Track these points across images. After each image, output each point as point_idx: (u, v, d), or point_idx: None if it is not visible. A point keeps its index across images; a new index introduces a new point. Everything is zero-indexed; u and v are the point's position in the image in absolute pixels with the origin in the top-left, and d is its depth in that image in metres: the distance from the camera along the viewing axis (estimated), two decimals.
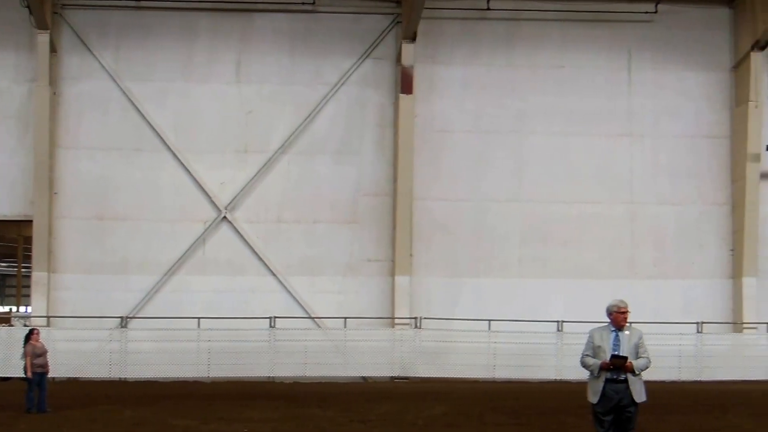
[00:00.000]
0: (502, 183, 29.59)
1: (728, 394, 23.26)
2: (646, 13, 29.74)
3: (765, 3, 28.57)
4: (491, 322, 27.85)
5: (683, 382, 27.47)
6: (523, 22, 29.70)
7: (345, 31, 29.21)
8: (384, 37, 29.33)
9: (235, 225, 28.59)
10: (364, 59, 29.22)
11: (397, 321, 28.08)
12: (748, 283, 29.33)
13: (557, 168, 29.69)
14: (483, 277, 29.12)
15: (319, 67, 29.10)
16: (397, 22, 29.03)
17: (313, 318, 28.21)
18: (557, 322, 27.99)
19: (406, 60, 28.48)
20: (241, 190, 28.70)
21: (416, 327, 27.71)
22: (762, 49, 29.20)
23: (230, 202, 28.62)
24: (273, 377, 26.92)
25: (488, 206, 29.43)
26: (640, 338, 10.97)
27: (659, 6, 29.68)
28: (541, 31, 29.74)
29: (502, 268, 29.32)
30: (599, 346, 10.90)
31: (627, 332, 10.95)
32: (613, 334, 10.94)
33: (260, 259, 28.49)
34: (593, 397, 10.89)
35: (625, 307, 10.96)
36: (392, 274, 28.55)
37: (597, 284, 28.58)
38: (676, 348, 27.73)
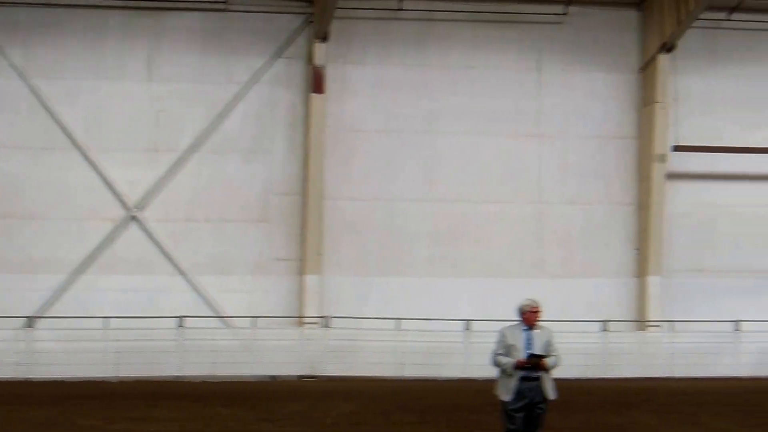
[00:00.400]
0: (412, 183, 31.57)
1: (632, 391, 25.25)
2: (556, 14, 31.90)
3: (672, 6, 30.86)
4: (400, 320, 29.74)
5: (589, 380, 29.37)
6: (435, 22, 31.65)
7: (257, 31, 30.84)
8: (296, 37, 31.02)
9: (144, 224, 30.17)
10: (276, 59, 30.91)
11: (306, 320, 29.91)
12: (653, 281, 31.72)
13: (467, 168, 31.70)
14: (392, 276, 31.09)
15: (230, 66, 30.73)
16: (309, 22, 30.78)
17: (222, 317, 29.93)
18: (465, 320, 30.00)
19: (317, 59, 30.29)
20: (151, 189, 30.23)
21: (325, 326, 29.56)
22: (669, 51, 31.55)
23: (140, 201, 30.14)
24: (181, 376, 28.50)
25: (398, 206, 31.42)
26: (551, 336, 12.05)
27: (569, 8, 31.93)
28: (453, 32, 31.72)
29: (412, 267, 31.33)
30: (512, 345, 11.89)
31: (538, 331, 11.98)
32: (525, 332, 11.95)
33: (169, 258, 30.13)
34: (506, 395, 11.87)
35: (538, 307, 12.00)
36: (302, 274, 30.38)
37: (505, 283, 30.66)
38: (582, 346, 29.50)
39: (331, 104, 30.89)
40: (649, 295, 31.71)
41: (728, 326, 31.18)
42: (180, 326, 28.90)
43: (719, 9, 32.03)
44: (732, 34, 32.91)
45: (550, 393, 11.91)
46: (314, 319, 29.93)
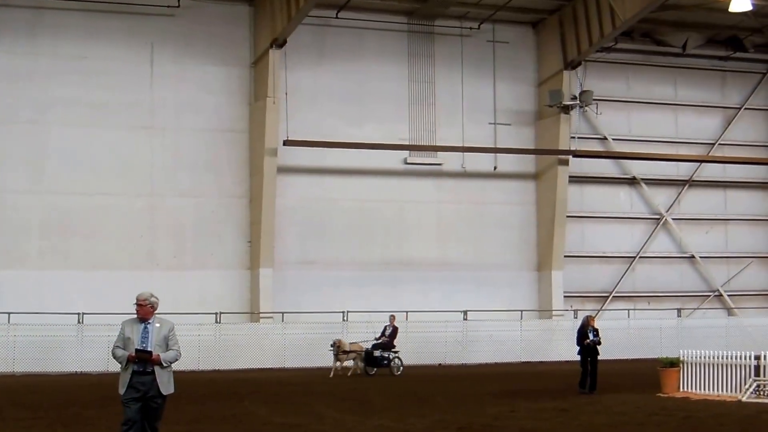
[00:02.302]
0: (20, 174, 40.28)
1: (245, 382, 32.38)
2: (169, 7, 42.16)
3: (283, 2, 40.88)
4: (10, 314, 37.72)
5: (202, 372, 37.87)
6: (45, 10, 40.81)
7: None
8: None
9: None
10: None
11: None
12: (264, 273, 42.31)
13: (79, 160, 40.96)
14: (2, 270, 39.46)
15: None
16: None
17: None
18: (78, 314, 38.61)
19: None
20: None
21: None
22: (280, 46, 42.09)
23: None
24: None
25: (6, 197, 40.08)
26: (171, 330, 14.52)
27: (181, 0, 42.06)
28: (64, 21, 40.94)
29: (22, 259, 40.11)
30: (129, 338, 14.27)
31: (158, 324, 14.41)
32: (142, 325, 14.36)
33: None
34: (121, 388, 14.31)
35: (145, 300, 14.38)
36: None
37: (118, 275, 39.92)
38: (196, 338, 38.48)
39: None
40: (261, 287, 42.08)
41: (337, 317, 41.48)
42: None
43: (328, 7, 43.56)
44: (340, 32, 44.77)
45: (165, 387, 14.41)
46: None
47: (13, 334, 37.32)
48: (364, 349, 36.39)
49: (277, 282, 42.39)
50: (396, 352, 36.70)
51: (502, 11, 45.67)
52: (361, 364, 36.52)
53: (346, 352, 36.08)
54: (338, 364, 36.04)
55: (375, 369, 36.30)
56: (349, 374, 36.10)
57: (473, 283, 45.72)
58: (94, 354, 37.21)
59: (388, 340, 36.88)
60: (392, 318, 37.50)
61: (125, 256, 41.03)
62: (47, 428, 20.81)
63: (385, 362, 36.32)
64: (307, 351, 40.05)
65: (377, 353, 36.33)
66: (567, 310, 46.88)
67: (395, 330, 37.17)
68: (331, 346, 36.04)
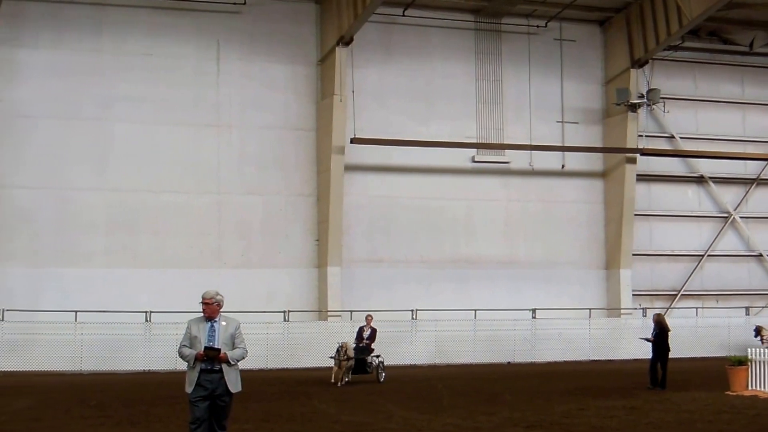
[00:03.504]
0: (86, 171, 38.42)
1: (313, 380, 31.05)
2: (235, 4, 40.07)
3: (350, 0, 39.01)
4: (77, 313, 36.00)
5: (271, 370, 36.27)
6: (110, 7, 38.96)
7: None
8: None
9: None
10: None
11: None
12: (332, 272, 40.16)
13: (144, 157, 39.03)
14: (68, 267, 37.68)
15: None
16: None
17: None
18: (145, 312, 36.79)
19: None
20: None
21: None
22: (347, 44, 40.04)
23: None
24: None
25: (72, 194, 38.19)
26: (237, 328, 14.25)
27: None
28: (129, 18, 39.07)
29: (88, 257, 38.13)
30: (195, 337, 14.00)
31: (224, 323, 14.17)
32: (209, 324, 14.11)
33: None
34: (188, 387, 14.00)
35: (211, 298, 14.09)
36: None
37: (185, 274, 38.13)
38: (264, 337, 36.72)
39: (1, 89, 37.42)
40: (328, 285, 39.99)
41: (406, 315, 39.75)
42: None
43: (395, 4, 41.50)
44: (406, 30, 42.61)
45: (233, 386, 14.14)
46: None
47: (81, 332, 35.72)
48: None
49: (345, 280, 40.41)
50: (377, 356, 31.91)
51: (569, 9, 43.54)
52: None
53: (349, 358, 30.51)
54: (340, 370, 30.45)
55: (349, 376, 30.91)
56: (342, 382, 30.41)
57: (541, 281, 43.66)
58: (161, 352, 35.45)
59: (368, 343, 31.73)
60: (369, 318, 32.60)
61: (192, 254, 39.15)
62: (115, 427, 20.31)
63: (369, 369, 31.49)
64: (377, 349, 37.31)
65: (369, 359, 31.48)
66: (636, 309, 44.48)
67: (374, 332, 32.07)
68: (338, 350, 30.36)
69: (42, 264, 37.33)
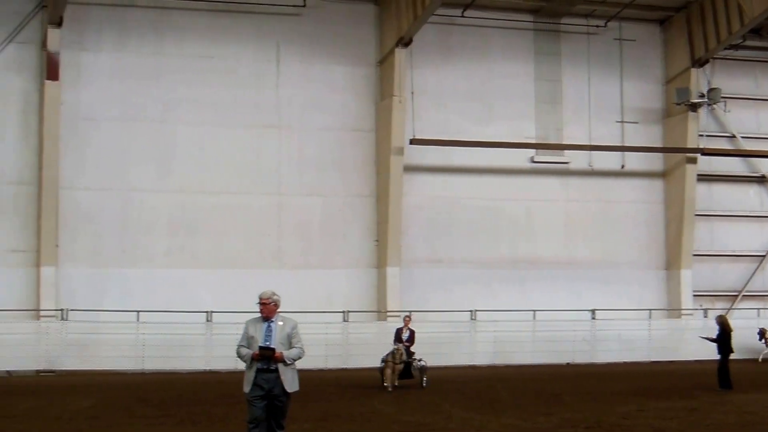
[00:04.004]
0: (148, 172, 38.36)
1: (371, 381, 30.16)
2: (294, 6, 39.86)
3: (409, 2, 38.76)
4: (139, 313, 36.02)
5: (330, 370, 36.12)
6: (171, 10, 38.86)
7: None
8: (29, 21, 37.10)
9: None
10: (8, 43, 36.90)
11: (42, 313, 35.87)
12: (392, 272, 39.84)
13: (205, 158, 38.91)
14: (130, 268, 37.68)
15: None
16: (43, 6, 37.08)
17: None
18: (206, 312, 36.75)
19: (51, 45, 36.56)
20: None
21: (62, 319, 35.53)
22: (406, 45, 39.67)
23: None
24: None
25: (134, 196, 38.15)
26: (294, 328, 14.27)
27: (307, 0, 39.78)
28: (190, 21, 38.99)
29: (150, 258, 38.09)
30: (252, 337, 14.08)
31: (281, 323, 14.20)
32: (266, 324, 14.16)
33: None
34: (246, 386, 14.09)
35: (267, 298, 14.17)
36: (37, 265, 36.47)
37: (244, 274, 37.75)
38: (323, 337, 36.38)
39: (65, 91, 37.26)
40: (388, 285, 39.69)
41: (464, 316, 39.40)
42: None
43: (454, 5, 41.07)
44: (465, 31, 42.15)
45: (289, 385, 14.13)
46: (51, 312, 35.93)
47: (142, 332, 35.69)
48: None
49: (404, 280, 39.99)
50: (419, 360, 29.73)
51: (629, 9, 42.81)
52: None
53: (402, 362, 28.88)
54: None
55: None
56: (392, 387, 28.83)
57: (601, 282, 42.86)
58: (222, 352, 34.75)
59: (407, 345, 29.75)
60: (407, 319, 31.06)
61: (252, 254, 38.90)
62: (176, 426, 20.51)
63: (413, 373, 29.76)
64: (435, 349, 36.31)
65: (415, 363, 29.57)
66: (696, 309, 43.64)
67: (413, 333, 30.24)
68: (393, 353, 28.66)
69: (104, 264, 37.30)
